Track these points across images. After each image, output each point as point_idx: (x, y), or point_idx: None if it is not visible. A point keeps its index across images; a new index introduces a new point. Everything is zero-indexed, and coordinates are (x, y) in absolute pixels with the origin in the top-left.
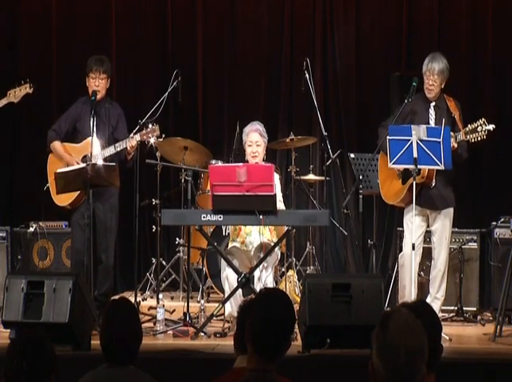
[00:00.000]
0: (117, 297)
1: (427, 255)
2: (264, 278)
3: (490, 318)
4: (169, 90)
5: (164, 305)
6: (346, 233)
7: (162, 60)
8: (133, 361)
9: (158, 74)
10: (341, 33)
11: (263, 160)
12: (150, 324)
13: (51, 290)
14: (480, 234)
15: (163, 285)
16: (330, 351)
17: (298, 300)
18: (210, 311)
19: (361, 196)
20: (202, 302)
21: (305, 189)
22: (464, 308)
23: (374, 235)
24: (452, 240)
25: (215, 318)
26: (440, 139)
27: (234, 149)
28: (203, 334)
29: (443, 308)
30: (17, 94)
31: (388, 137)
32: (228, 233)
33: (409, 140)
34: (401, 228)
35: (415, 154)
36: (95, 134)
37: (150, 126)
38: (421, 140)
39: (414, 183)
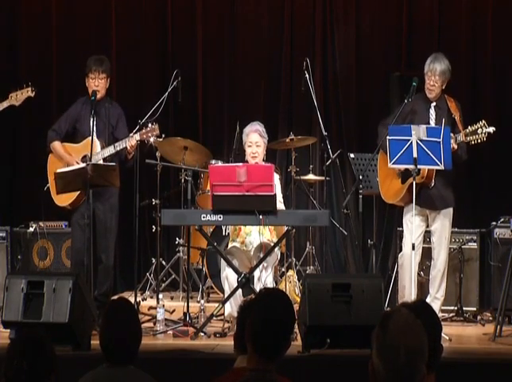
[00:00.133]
0: (116, 297)
1: (427, 255)
2: (264, 278)
3: (490, 318)
4: (169, 90)
5: (164, 305)
6: (346, 233)
7: (162, 60)
8: (133, 361)
9: (158, 74)
10: (341, 33)
11: (263, 160)
12: (150, 324)
13: (51, 290)
14: (480, 234)
15: (163, 285)
16: (330, 351)
17: (298, 300)
18: (210, 311)
19: (361, 196)
20: (202, 302)
21: (305, 189)
22: (464, 308)
23: (374, 235)
24: (452, 240)
25: (214, 318)
26: (440, 139)
27: (234, 149)
28: (203, 334)
29: (443, 308)
30: (18, 97)
31: (388, 137)
32: (228, 233)
33: (408, 140)
34: (400, 228)
35: (415, 154)
36: (94, 134)
37: (150, 125)
38: (421, 140)
39: (414, 183)
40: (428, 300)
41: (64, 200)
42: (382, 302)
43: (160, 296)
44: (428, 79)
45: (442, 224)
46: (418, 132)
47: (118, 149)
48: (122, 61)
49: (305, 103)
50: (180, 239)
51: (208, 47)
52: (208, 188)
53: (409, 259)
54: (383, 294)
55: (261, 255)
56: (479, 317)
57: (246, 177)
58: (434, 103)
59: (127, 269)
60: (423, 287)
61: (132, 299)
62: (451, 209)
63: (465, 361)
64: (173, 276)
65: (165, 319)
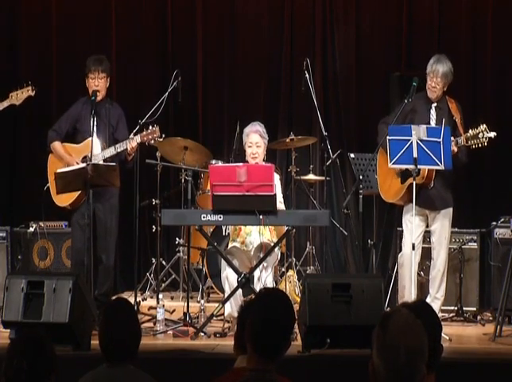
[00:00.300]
0: (114, 297)
1: (426, 255)
2: (264, 278)
3: (490, 318)
4: (169, 90)
5: (164, 305)
6: (346, 233)
7: (162, 60)
8: (132, 360)
9: (158, 74)
10: (341, 33)
11: (263, 160)
12: (150, 324)
13: (51, 290)
14: (480, 234)
15: (163, 285)
16: (330, 351)
17: (298, 300)
18: (210, 311)
19: (361, 196)
20: (202, 302)
21: (305, 189)
22: (464, 308)
23: (374, 235)
24: (452, 240)
25: (214, 318)
26: (440, 139)
27: (234, 149)
28: (203, 334)
29: (443, 308)
30: (18, 96)
31: (388, 137)
32: (228, 233)
33: (409, 140)
34: (400, 228)
35: (415, 154)
36: (95, 134)
37: (151, 127)
38: (421, 140)
39: (414, 183)
40: (428, 300)
41: (64, 200)
42: (382, 302)
43: (160, 296)
44: (430, 80)
45: (442, 224)
46: (418, 132)
47: (119, 150)
48: (122, 61)
49: (305, 103)
50: (180, 239)
51: (208, 47)
52: (208, 188)
53: (408, 259)
54: (383, 294)
55: (261, 255)
56: (478, 317)
57: (246, 177)
58: (435, 104)
59: (127, 269)
60: (423, 287)
61: (132, 299)
62: (450, 209)
63: (465, 361)
64: (173, 276)
65: (165, 319)
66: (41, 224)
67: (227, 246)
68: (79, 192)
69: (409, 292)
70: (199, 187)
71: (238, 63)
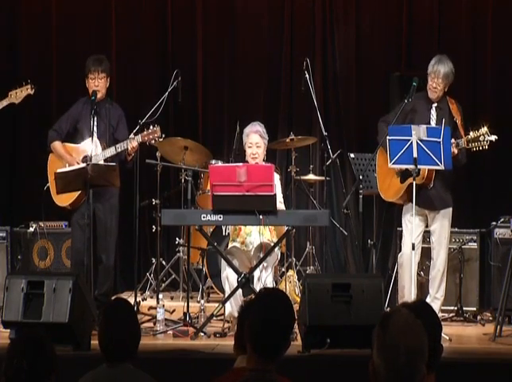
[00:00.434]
0: (113, 298)
1: (426, 255)
2: (264, 279)
3: (490, 318)
4: (169, 90)
5: (164, 306)
6: (346, 233)
7: (162, 60)
8: (132, 360)
9: (158, 74)
10: (341, 33)
11: (263, 160)
12: (150, 324)
13: (51, 290)
14: (480, 234)
15: (163, 285)
16: (330, 351)
17: (298, 300)
18: (210, 311)
19: (361, 196)
20: (202, 302)
21: (305, 189)
22: (464, 308)
23: (373, 235)
24: (452, 240)
25: (214, 318)
26: (440, 139)
27: (234, 149)
28: (202, 334)
29: (443, 308)
30: (18, 95)
31: (388, 137)
32: (228, 233)
33: (409, 140)
34: (400, 228)
35: (415, 154)
36: (95, 134)
37: (151, 127)
38: (421, 140)
39: (414, 183)
40: (427, 300)
41: (64, 200)
42: (382, 302)
43: (160, 296)
44: (431, 80)
45: (441, 224)
46: (418, 132)
47: (119, 150)
48: (122, 61)
49: (305, 103)
50: (180, 239)
51: (208, 47)
52: (208, 188)
53: (408, 259)
54: (383, 294)
55: (261, 255)
56: (478, 317)
57: (246, 177)
58: (435, 104)
59: (127, 269)
60: (423, 287)
61: (132, 299)
62: (450, 209)
63: (465, 361)
64: (173, 276)
65: (165, 319)
66: (41, 224)
67: (227, 246)
68: (79, 192)
69: (408, 292)
70: (199, 187)
71: (238, 63)
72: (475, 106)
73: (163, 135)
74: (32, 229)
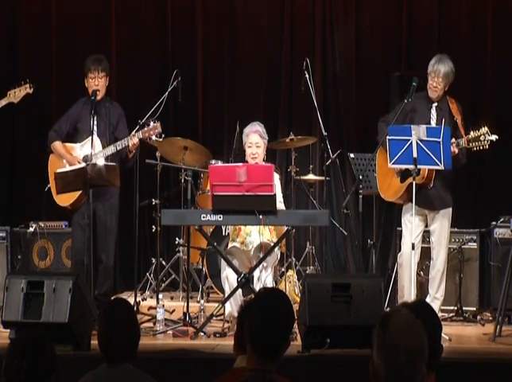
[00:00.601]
0: (113, 298)
1: (426, 254)
2: (263, 278)
3: (490, 318)
4: (169, 90)
5: (164, 306)
6: (346, 233)
7: (162, 60)
8: (132, 360)
9: (158, 74)
10: (341, 33)
11: (263, 160)
12: (150, 324)
13: (51, 290)
14: (480, 234)
15: (163, 285)
16: (330, 351)
17: (298, 300)
18: (210, 311)
19: (361, 196)
20: (202, 302)
21: (305, 189)
22: (464, 308)
23: (373, 235)
24: (452, 240)
25: (214, 318)
26: (440, 139)
27: (234, 149)
28: (202, 334)
29: (443, 308)
30: (17, 94)
31: (388, 137)
32: (228, 233)
33: (408, 140)
34: (400, 228)
35: (415, 154)
36: (95, 134)
37: (152, 123)
38: (421, 140)
39: (414, 183)
40: (427, 300)
41: (64, 200)
42: (381, 302)
43: (160, 296)
44: (431, 79)
45: (441, 224)
46: (418, 132)
47: (119, 148)
48: (122, 61)
49: (305, 103)
50: (180, 239)
51: (208, 47)
52: (208, 188)
53: (408, 259)
54: (383, 294)
55: (261, 255)
56: (478, 317)
57: (246, 177)
58: (436, 104)
59: (127, 269)
60: (422, 287)
61: (132, 299)
62: (450, 209)
63: (465, 361)
64: (173, 276)
65: (165, 319)
66: (41, 224)
67: (227, 246)
68: (80, 192)
69: (408, 292)
70: (199, 187)
71: (238, 63)
72: (475, 106)
73: (163, 135)
74: (32, 229)
